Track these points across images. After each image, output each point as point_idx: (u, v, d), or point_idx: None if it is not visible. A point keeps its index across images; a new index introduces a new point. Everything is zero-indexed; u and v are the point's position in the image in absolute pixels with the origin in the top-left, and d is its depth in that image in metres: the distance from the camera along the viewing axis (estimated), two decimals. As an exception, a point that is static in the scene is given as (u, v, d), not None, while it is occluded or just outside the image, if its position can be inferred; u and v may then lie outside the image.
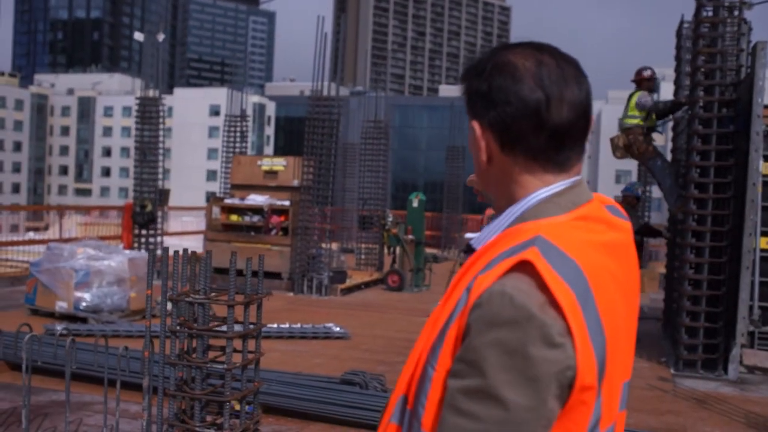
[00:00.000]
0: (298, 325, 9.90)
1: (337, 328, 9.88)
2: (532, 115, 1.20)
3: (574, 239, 1.18)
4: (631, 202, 12.67)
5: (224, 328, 3.80)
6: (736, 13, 8.70)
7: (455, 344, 1.13)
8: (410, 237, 15.69)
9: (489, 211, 13.54)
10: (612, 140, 10.02)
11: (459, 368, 1.09)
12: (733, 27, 8.72)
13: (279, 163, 14.85)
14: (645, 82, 9.87)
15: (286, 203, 14.35)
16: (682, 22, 10.87)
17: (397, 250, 16.12)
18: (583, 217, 1.23)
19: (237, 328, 3.89)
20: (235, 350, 3.86)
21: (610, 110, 70.68)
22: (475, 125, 1.25)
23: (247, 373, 3.97)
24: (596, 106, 74.04)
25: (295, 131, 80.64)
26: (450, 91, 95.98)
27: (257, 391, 4.14)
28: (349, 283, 15.01)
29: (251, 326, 3.89)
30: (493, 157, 1.25)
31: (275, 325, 9.57)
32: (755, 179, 8.38)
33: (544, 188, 1.24)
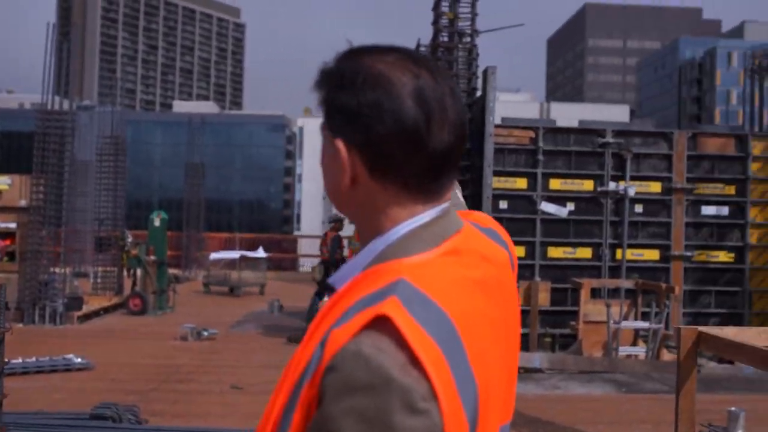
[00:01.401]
0: (33, 359, 9.12)
1: (78, 359, 9.25)
2: (410, 137, 1.07)
3: (442, 280, 1.05)
4: (338, 228, 12.95)
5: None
6: (467, 40, 9.40)
7: (308, 410, 0.99)
8: (152, 258, 15.08)
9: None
10: None
11: None
12: (465, 52, 9.42)
13: (3, 182, 13.64)
14: None
15: (12, 225, 13.25)
16: (418, 46, 11.49)
17: (138, 271, 15.42)
18: (452, 252, 1.10)
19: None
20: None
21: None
22: (340, 144, 1.10)
23: (-9, 418, 3.54)
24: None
25: (14, 147, 74.24)
26: (184, 107, 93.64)
27: (2, 438, 3.70)
28: (86, 309, 14.10)
29: (-4, 366, 3.47)
30: (359, 182, 1.11)
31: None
32: (488, 193, 9.06)
33: (409, 220, 1.10)
